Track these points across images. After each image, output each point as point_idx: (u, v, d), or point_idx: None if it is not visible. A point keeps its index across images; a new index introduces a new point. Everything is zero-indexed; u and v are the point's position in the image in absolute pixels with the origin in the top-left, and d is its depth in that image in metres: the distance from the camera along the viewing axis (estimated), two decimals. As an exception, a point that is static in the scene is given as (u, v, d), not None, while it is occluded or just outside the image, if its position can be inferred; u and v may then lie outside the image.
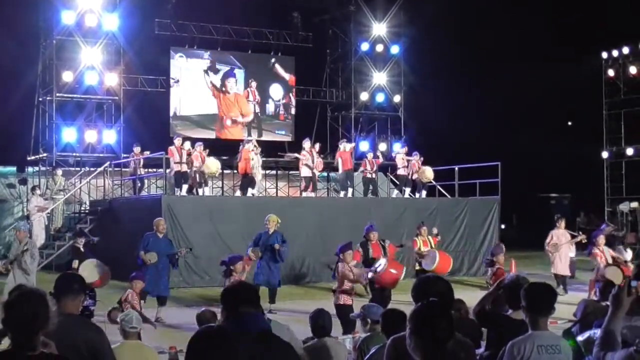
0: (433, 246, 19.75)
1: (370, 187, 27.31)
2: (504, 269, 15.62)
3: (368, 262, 16.54)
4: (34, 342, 4.37)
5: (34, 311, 4.36)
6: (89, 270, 15.37)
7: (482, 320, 6.91)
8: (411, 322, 4.29)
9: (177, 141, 24.73)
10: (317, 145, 27.07)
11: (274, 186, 30.79)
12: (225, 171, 28.23)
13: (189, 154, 24.26)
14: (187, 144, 24.69)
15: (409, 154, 27.73)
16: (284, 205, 24.32)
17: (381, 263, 15.76)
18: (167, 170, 24.42)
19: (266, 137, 32.26)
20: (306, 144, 26.14)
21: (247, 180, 25.03)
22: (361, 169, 27.68)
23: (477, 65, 39.13)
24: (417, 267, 19.18)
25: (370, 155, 27.85)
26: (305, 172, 25.95)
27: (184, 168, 24.13)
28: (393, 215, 24.93)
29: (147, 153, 26.29)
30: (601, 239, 19.09)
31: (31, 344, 4.37)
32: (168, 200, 22.56)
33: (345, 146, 27.14)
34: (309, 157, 25.91)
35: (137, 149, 26.48)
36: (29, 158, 28.94)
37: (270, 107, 33.45)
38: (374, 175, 27.59)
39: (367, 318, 8.60)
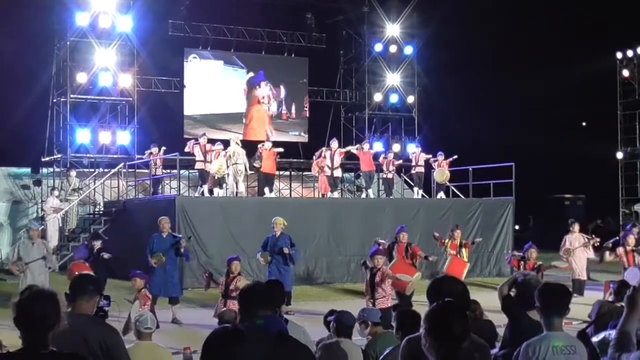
0: (464, 254, 19.94)
1: (388, 187, 27.50)
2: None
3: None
4: (45, 341, 4.40)
5: (44, 310, 4.38)
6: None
7: (507, 306, 6.83)
8: (427, 322, 4.28)
9: (203, 139, 24.71)
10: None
11: (287, 187, 30.83)
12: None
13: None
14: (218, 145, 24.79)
15: (434, 155, 27.71)
16: (298, 206, 24.36)
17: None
18: (191, 171, 24.63)
19: (279, 137, 32.20)
20: (334, 143, 26.20)
21: (265, 180, 25.15)
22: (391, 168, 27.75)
23: (490, 65, 39.07)
24: None
25: (390, 155, 27.92)
26: (326, 172, 25.99)
27: (207, 167, 24.22)
28: (406, 216, 24.87)
29: (158, 151, 26.23)
30: (631, 239, 18.75)
31: (42, 342, 4.39)
32: (182, 201, 22.61)
33: (363, 147, 27.23)
34: (330, 158, 25.95)
35: (154, 149, 26.44)
36: (43, 159, 29.04)
37: (272, 107, 33.41)
38: (391, 175, 27.73)
39: (368, 321, 8.58)
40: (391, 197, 27.81)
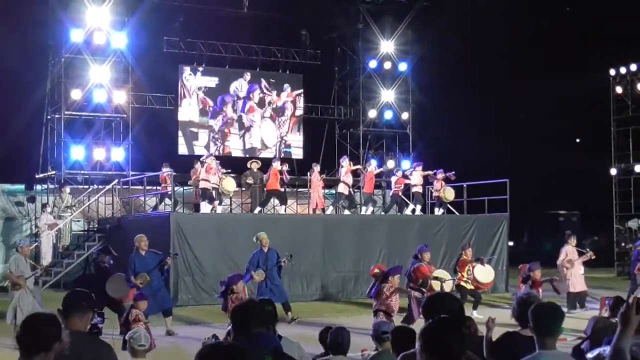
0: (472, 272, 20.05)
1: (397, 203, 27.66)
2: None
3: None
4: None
5: (46, 332, 4.37)
6: (120, 284, 15.50)
7: (496, 353, 6.83)
8: (422, 339, 4.26)
9: (210, 159, 24.52)
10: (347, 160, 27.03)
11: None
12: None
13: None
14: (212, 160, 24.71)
15: (430, 171, 27.70)
16: (292, 223, 24.34)
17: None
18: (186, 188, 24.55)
19: (274, 154, 32.21)
20: (344, 161, 26.25)
21: (269, 197, 25.19)
22: (394, 187, 27.74)
23: (484, 82, 39.13)
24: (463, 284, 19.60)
25: (399, 174, 27.81)
26: (342, 188, 26.00)
27: (209, 185, 23.93)
28: (401, 232, 24.90)
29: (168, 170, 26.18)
30: None
31: None
32: (176, 217, 22.57)
33: (374, 167, 27.30)
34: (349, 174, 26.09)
35: (166, 169, 26.27)
36: (37, 176, 28.96)
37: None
38: (400, 193, 27.79)
39: (373, 336, 8.53)
40: (386, 214, 27.75)
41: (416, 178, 27.28)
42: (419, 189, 27.37)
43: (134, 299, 14.18)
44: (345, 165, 26.15)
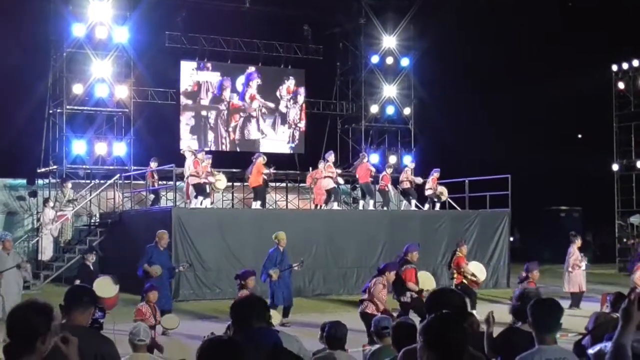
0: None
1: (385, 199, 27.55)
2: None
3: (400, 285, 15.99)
4: (33, 353, 4.34)
5: (33, 322, 4.33)
6: (107, 285, 15.39)
7: (497, 348, 6.84)
8: (424, 334, 4.25)
9: (201, 155, 24.46)
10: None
11: (284, 199, 30.79)
12: (235, 184, 28.24)
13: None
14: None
15: (426, 173, 27.72)
16: (294, 218, 24.34)
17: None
18: (186, 181, 24.57)
19: (275, 149, 32.18)
20: (330, 157, 26.08)
21: (259, 192, 25.03)
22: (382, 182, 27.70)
23: (486, 78, 39.10)
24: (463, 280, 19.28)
25: (389, 170, 27.80)
26: (329, 184, 25.86)
27: (202, 180, 23.93)
28: (402, 228, 24.87)
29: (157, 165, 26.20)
30: None
31: (29, 354, 4.33)
32: (178, 212, 22.55)
33: (363, 160, 27.24)
34: (334, 170, 25.97)
35: (153, 164, 26.29)
36: (39, 170, 28.95)
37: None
38: (388, 189, 27.74)
39: (373, 332, 8.52)
40: (386, 209, 27.76)
41: (403, 176, 27.46)
42: (406, 185, 27.44)
43: (145, 290, 14.08)
44: (330, 160, 25.92)
